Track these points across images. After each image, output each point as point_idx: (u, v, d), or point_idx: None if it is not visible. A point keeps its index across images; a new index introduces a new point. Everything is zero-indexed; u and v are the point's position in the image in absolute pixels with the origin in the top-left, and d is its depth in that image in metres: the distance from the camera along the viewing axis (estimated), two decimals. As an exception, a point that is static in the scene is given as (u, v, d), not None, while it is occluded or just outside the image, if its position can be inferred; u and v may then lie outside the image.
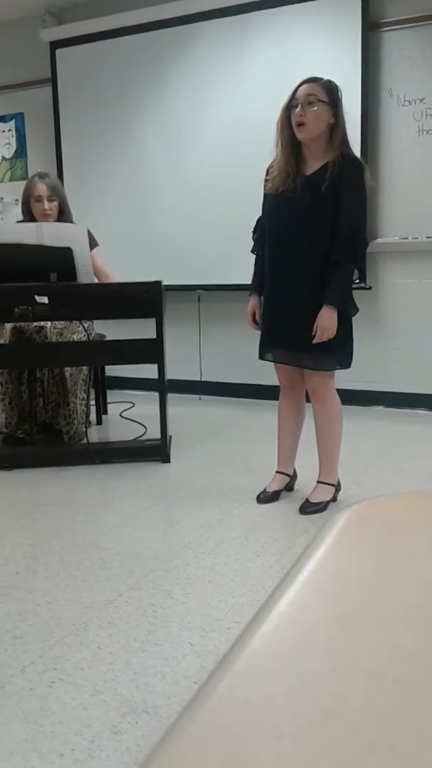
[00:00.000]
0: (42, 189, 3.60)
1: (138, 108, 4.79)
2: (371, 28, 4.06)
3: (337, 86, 2.50)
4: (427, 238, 4.12)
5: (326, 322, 2.50)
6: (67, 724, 1.48)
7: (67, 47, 4.95)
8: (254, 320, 2.75)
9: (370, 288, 4.25)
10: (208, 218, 4.59)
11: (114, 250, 4.04)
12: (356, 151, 2.88)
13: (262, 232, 2.69)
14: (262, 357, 2.76)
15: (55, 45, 4.99)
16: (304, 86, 2.47)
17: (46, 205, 3.60)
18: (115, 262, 3.84)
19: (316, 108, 2.44)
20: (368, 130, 4.11)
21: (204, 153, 4.59)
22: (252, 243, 2.77)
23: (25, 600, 2.05)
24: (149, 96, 4.74)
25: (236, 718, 0.56)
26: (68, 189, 4.13)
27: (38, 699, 1.57)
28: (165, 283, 3.34)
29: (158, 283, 3.28)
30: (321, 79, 2.50)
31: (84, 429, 3.67)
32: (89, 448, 3.58)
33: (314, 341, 2.51)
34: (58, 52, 4.99)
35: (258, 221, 2.73)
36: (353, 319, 2.63)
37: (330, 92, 2.47)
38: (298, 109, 2.45)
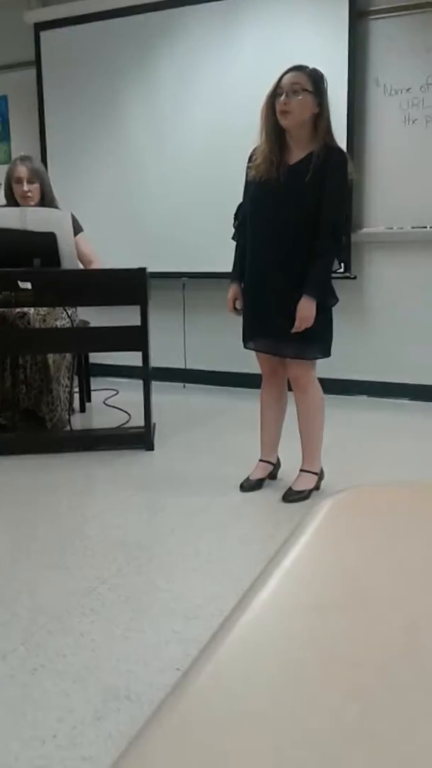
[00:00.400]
0: (22, 171, 3.57)
1: (124, 92, 4.73)
2: (358, 17, 4.03)
3: (322, 75, 2.47)
4: (413, 228, 4.13)
5: (305, 311, 2.50)
6: (49, 710, 1.48)
7: (52, 29, 4.87)
8: (235, 308, 2.75)
9: (355, 278, 4.25)
10: (194, 205, 4.56)
11: (99, 236, 4.00)
12: (342, 140, 2.87)
13: (243, 219, 2.67)
14: (245, 346, 2.76)
15: (40, 27, 4.91)
16: (289, 74, 2.45)
17: (26, 186, 3.56)
18: (100, 248, 3.81)
19: (300, 97, 2.42)
20: (355, 120, 4.09)
21: (191, 139, 4.55)
22: (233, 230, 2.75)
23: (6, 587, 2.04)
24: (136, 80, 4.68)
25: (218, 706, 0.57)
26: (53, 173, 4.08)
27: (20, 686, 1.57)
28: (150, 270, 3.32)
29: (143, 270, 3.26)
30: (306, 67, 2.48)
31: (67, 416, 3.65)
32: (72, 436, 3.56)
33: (292, 330, 2.52)
34: (42, 34, 4.91)
35: (239, 208, 2.71)
36: (333, 308, 2.64)
37: (315, 82, 2.45)
38: (282, 97, 2.43)
